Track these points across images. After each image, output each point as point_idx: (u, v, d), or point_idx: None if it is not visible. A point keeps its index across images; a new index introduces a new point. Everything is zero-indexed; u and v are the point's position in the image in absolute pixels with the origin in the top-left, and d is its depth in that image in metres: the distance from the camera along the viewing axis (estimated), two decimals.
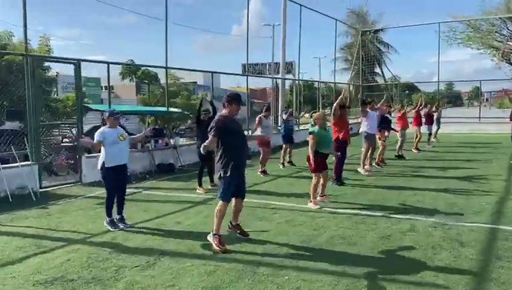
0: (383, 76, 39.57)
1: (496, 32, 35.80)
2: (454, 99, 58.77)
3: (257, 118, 10.22)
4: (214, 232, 4.91)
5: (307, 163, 7.07)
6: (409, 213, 6.31)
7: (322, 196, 7.16)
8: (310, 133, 7.01)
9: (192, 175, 9.96)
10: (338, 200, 7.24)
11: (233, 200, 5.11)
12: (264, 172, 9.92)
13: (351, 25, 33.23)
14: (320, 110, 17.99)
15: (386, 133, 11.24)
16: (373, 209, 6.59)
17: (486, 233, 5.32)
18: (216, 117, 5.05)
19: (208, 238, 4.94)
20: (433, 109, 16.24)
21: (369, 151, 9.99)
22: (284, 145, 11.35)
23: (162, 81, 25.65)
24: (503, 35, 36.16)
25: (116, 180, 5.83)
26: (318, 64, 46.96)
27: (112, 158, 5.72)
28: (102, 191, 8.24)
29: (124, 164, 5.89)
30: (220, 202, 4.94)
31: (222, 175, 4.86)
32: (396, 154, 12.36)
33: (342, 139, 8.42)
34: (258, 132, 9.98)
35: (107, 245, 5.09)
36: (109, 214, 5.86)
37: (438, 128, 17.04)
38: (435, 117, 16.22)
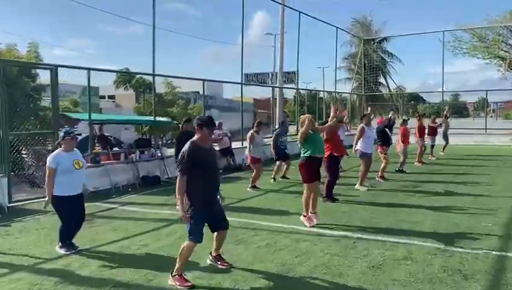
0: (388, 86, 38.90)
1: (502, 41, 35.16)
2: (460, 110, 57.99)
3: (249, 135, 9.59)
4: (174, 273, 4.12)
5: (300, 172, 6.44)
6: (406, 236, 5.61)
7: (313, 213, 6.49)
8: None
9: None
10: (329, 219, 6.54)
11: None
12: (254, 187, 9.24)
13: (353, 33, 32.78)
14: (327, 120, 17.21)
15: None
16: (366, 231, 5.90)
17: (493, 262, 4.62)
18: (185, 146, 4.22)
19: (169, 282, 4.13)
20: (435, 120, 15.44)
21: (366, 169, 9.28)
22: (277, 162, 10.64)
23: (158, 90, 25.32)
24: (510, 44, 35.50)
25: (72, 210, 5.14)
26: (322, 74, 46.46)
27: (63, 188, 4.99)
28: None
29: (78, 194, 5.16)
30: (187, 242, 4.24)
31: (188, 210, 4.18)
32: (397, 168, 11.62)
33: (336, 155, 7.78)
34: (248, 150, 9.43)
35: (56, 273, 4.44)
36: (63, 239, 5.12)
37: (446, 143, 16.17)
38: (440, 130, 15.43)
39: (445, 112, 16.76)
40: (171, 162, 11.16)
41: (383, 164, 10.20)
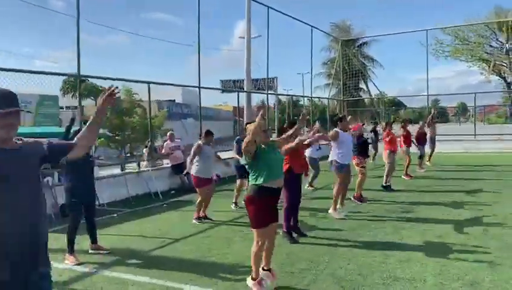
0: (369, 92, 37.45)
1: (485, 44, 34.20)
2: (440, 115, 57.10)
3: (195, 146, 7.38)
4: None
5: (246, 210, 4.32)
6: None
7: (265, 271, 4.37)
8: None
9: (107, 221, 7.34)
10: (287, 275, 4.50)
11: None
12: (199, 218, 7.20)
13: (332, 36, 31.29)
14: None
15: (365, 161, 8.60)
16: None
17: None
18: None
19: None
20: (425, 125, 13.70)
21: (343, 187, 7.28)
22: (238, 181, 8.54)
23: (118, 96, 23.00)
24: (493, 46, 34.52)
25: None
26: (302, 81, 44.98)
27: None
28: None
29: None
30: None
31: None
32: (384, 184, 9.72)
33: (296, 172, 5.78)
34: (195, 164, 7.25)
35: None
36: None
37: (432, 150, 14.38)
38: (428, 136, 13.62)
39: (430, 116, 14.80)
40: (106, 185, 9.10)
41: (358, 179, 8.24)
